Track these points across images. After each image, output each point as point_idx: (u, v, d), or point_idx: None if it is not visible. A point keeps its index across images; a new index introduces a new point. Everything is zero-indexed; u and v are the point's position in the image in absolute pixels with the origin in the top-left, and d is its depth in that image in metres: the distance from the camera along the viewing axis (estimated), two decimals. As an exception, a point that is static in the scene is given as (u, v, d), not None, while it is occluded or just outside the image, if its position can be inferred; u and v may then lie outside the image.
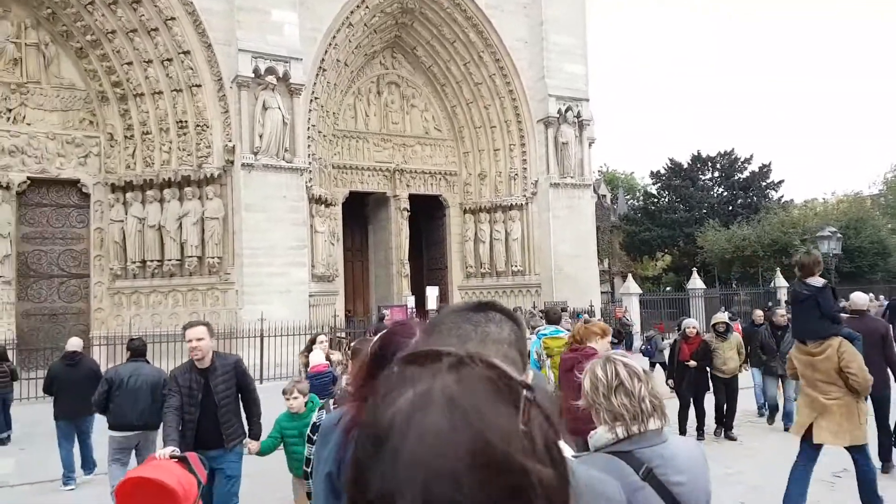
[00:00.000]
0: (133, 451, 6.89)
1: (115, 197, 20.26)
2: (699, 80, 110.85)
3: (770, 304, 24.54)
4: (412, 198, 25.35)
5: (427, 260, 27.77)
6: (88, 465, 8.74)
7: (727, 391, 9.76)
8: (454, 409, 0.58)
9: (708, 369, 9.72)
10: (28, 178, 19.67)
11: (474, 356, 0.64)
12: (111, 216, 20.26)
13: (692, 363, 9.43)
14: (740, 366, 10.03)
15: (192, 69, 19.34)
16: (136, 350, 7.15)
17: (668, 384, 9.75)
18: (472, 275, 26.03)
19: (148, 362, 7.26)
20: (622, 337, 20.99)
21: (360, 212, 26.64)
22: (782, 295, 29.20)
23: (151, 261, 19.80)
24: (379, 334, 2.22)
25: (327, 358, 8.45)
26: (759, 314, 11.68)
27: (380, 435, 0.58)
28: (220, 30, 19.14)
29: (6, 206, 19.24)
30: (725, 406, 9.78)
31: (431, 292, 21.93)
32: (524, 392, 0.61)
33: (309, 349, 9.16)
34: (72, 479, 8.35)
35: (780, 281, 30.17)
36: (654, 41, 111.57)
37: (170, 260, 19.67)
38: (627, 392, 2.09)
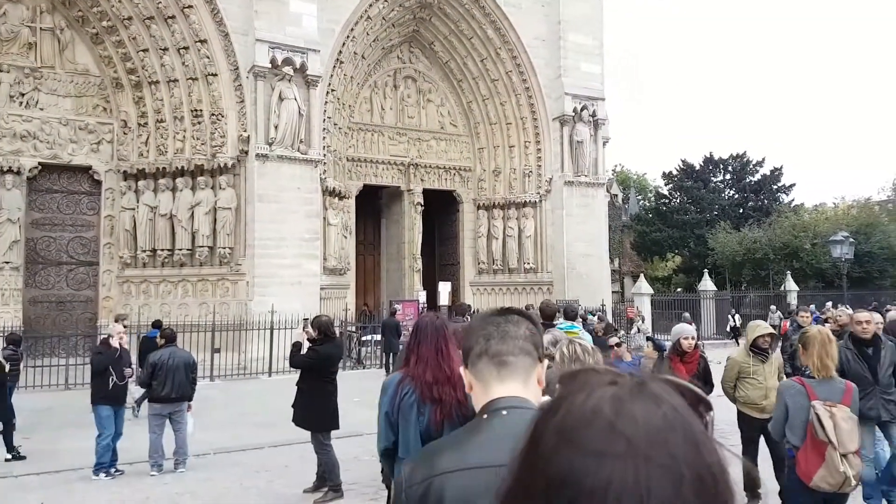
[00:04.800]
0: (168, 420, 8.31)
1: (127, 185, 20.10)
2: (714, 82, 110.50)
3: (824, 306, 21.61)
4: (426, 193, 25.20)
5: (439, 255, 27.60)
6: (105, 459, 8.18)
7: (770, 444, 6.10)
8: (659, 399, 0.61)
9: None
10: (39, 163, 19.51)
11: (656, 376, 0.67)
12: (122, 204, 20.10)
13: None
14: None
15: (208, 58, 19.15)
16: (170, 337, 8.76)
17: None
18: (485, 271, 25.85)
19: (178, 346, 8.74)
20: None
21: (373, 205, 26.46)
22: (793, 299, 29.07)
23: (162, 250, 19.65)
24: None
25: None
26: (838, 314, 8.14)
27: (587, 414, 0.60)
28: (238, 19, 18.95)
29: (16, 192, 19.08)
30: (774, 470, 6.03)
31: (444, 288, 21.74)
32: (710, 413, 0.68)
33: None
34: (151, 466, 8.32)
35: (791, 284, 30.08)
36: (671, 41, 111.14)
37: (180, 249, 19.51)
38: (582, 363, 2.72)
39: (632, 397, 0.61)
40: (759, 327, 6.55)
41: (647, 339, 8.24)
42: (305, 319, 10.39)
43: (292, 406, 7.38)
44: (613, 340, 6.90)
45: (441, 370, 3.43)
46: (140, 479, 8.07)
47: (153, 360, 8.41)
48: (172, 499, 7.33)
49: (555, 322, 8.81)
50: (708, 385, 6.48)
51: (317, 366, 7.23)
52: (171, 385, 8.19)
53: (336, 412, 7.28)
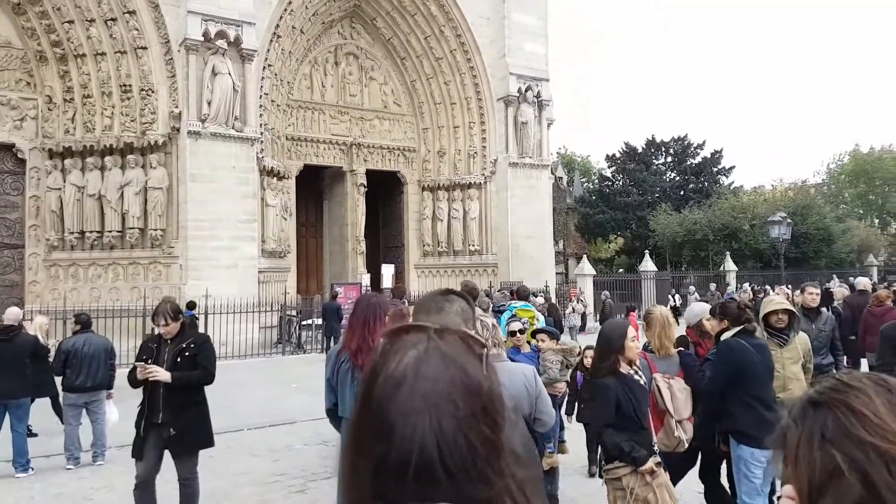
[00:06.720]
0: (84, 410, 7.94)
1: (53, 163, 19.18)
2: (657, 66, 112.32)
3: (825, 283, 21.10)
4: (369, 173, 24.78)
5: (384, 237, 27.28)
6: (18, 460, 7.53)
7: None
8: (446, 358, 0.85)
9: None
10: (-44, 140, 18.38)
11: (448, 328, 0.91)
12: (48, 184, 19.18)
13: None
14: None
15: (137, 30, 18.30)
16: (85, 323, 8.38)
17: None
18: (430, 253, 25.67)
19: (94, 332, 8.46)
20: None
21: (315, 186, 25.90)
22: (732, 279, 29.91)
23: (91, 232, 18.84)
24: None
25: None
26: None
27: (397, 380, 0.83)
28: (169, -11, 18.10)
29: (-69, 171, 17.95)
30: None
31: (387, 270, 21.50)
32: (483, 350, 0.90)
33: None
34: None
35: (730, 265, 30.94)
36: (615, 23, 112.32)
37: (110, 231, 18.75)
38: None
39: (427, 358, 0.84)
40: (772, 303, 5.37)
41: (539, 330, 6.97)
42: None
43: (166, 427, 5.32)
44: (516, 326, 5.80)
45: (365, 341, 3.88)
46: (55, 474, 7.63)
47: (66, 347, 7.93)
48: (86, 494, 6.95)
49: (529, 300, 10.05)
50: None
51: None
52: (87, 373, 7.78)
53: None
